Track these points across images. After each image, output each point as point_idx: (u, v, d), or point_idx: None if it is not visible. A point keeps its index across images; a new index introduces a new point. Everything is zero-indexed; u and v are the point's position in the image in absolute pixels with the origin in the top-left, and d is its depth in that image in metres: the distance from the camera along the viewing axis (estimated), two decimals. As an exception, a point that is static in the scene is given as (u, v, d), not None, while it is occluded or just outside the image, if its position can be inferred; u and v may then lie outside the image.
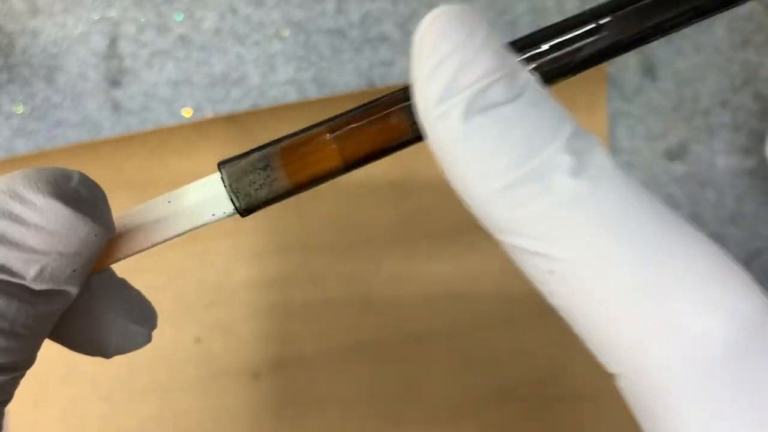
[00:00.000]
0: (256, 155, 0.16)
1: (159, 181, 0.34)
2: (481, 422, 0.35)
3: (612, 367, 0.14)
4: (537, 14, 0.35)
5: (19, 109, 0.35)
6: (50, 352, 0.35)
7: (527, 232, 0.13)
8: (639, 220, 0.13)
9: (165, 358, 0.34)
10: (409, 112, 0.15)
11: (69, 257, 0.14)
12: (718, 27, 0.36)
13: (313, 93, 0.35)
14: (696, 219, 0.36)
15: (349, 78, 0.35)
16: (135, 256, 0.17)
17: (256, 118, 0.34)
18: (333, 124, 0.16)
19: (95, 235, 0.15)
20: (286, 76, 0.35)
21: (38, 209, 0.14)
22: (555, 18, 0.33)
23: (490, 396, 0.35)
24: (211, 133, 0.34)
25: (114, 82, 0.35)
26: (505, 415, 0.35)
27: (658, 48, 0.35)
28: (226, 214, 0.16)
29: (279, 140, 0.16)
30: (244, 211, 0.16)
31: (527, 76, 0.14)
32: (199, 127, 0.34)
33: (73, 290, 0.15)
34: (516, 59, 0.14)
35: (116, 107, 0.35)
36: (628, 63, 0.35)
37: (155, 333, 0.19)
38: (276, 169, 0.16)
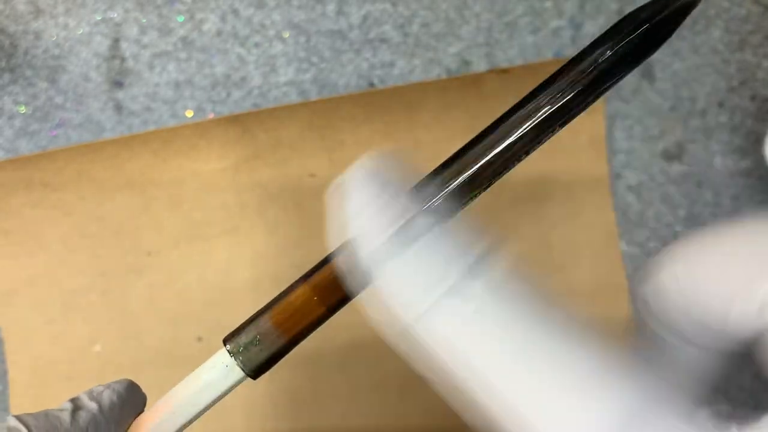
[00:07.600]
0: (251, 326, 0.18)
1: (161, 182, 0.34)
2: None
3: None
4: (536, 15, 0.35)
5: (22, 110, 0.35)
6: (51, 351, 0.36)
7: (441, 349, 0.15)
8: (525, 335, 0.15)
9: (166, 356, 0.34)
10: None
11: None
12: (715, 28, 0.36)
13: (313, 94, 0.35)
14: (693, 219, 0.36)
15: (349, 79, 0.35)
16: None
17: (257, 118, 0.34)
18: (311, 279, 0.18)
19: None
20: (286, 77, 0.35)
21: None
22: (554, 18, 0.34)
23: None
24: (212, 133, 0.34)
25: (116, 83, 0.35)
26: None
27: (655, 49, 0.36)
28: (237, 381, 0.19)
29: (267, 307, 0.18)
30: (252, 374, 0.18)
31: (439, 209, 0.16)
32: (200, 128, 0.34)
33: None
34: (429, 192, 0.16)
35: (118, 108, 0.35)
36: (626, 64, 0.36)
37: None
38: (270, 333, 0.18)
